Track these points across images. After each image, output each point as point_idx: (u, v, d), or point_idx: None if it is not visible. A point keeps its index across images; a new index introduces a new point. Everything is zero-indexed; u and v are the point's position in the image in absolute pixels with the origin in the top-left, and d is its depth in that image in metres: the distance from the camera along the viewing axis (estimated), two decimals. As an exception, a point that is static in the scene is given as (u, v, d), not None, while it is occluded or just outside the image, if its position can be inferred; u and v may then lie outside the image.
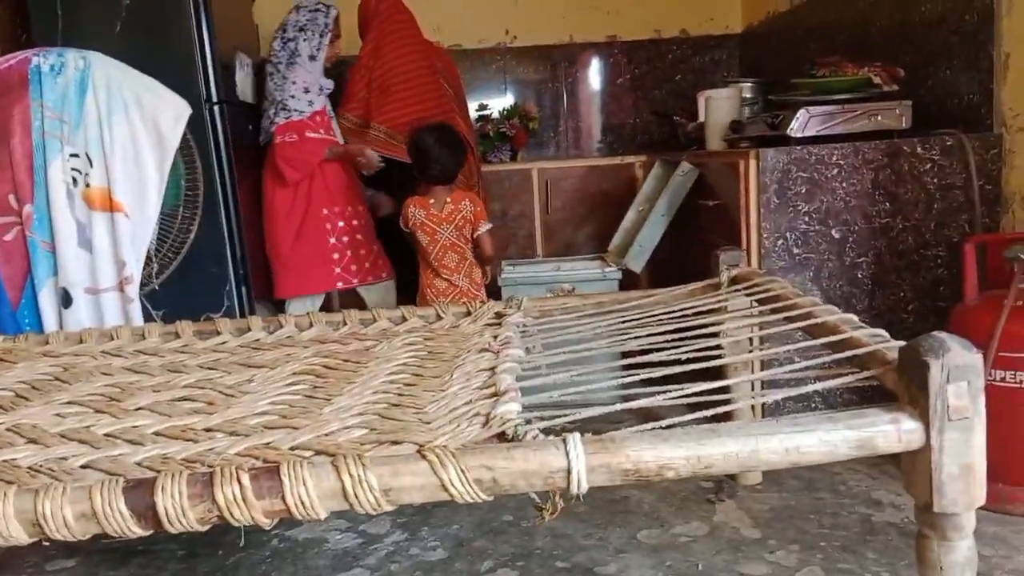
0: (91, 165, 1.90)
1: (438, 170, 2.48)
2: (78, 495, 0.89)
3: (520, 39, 4.04)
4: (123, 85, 1.97)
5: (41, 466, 1.07)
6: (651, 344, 1.41)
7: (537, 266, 2.97)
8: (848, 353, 1.18)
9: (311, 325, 1.80)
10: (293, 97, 2.59)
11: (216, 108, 2.30)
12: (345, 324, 1.81)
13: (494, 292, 2.66)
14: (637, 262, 2.72)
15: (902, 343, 1.02)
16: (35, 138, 1.89)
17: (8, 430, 1.22)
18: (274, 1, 3.55)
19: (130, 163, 1.94)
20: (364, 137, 2.76)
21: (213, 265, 2.27)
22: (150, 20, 2.27)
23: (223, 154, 2.30)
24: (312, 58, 2.68)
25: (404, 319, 1.82)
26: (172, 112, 2.00)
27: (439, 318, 1.82)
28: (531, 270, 2.88)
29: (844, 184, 2.14)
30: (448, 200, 2.49)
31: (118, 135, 1.93)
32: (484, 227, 2.53)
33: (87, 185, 1.90)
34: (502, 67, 4.08)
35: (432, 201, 2.49)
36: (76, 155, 1.89)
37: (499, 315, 1.78)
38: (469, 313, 1.82)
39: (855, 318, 1.29)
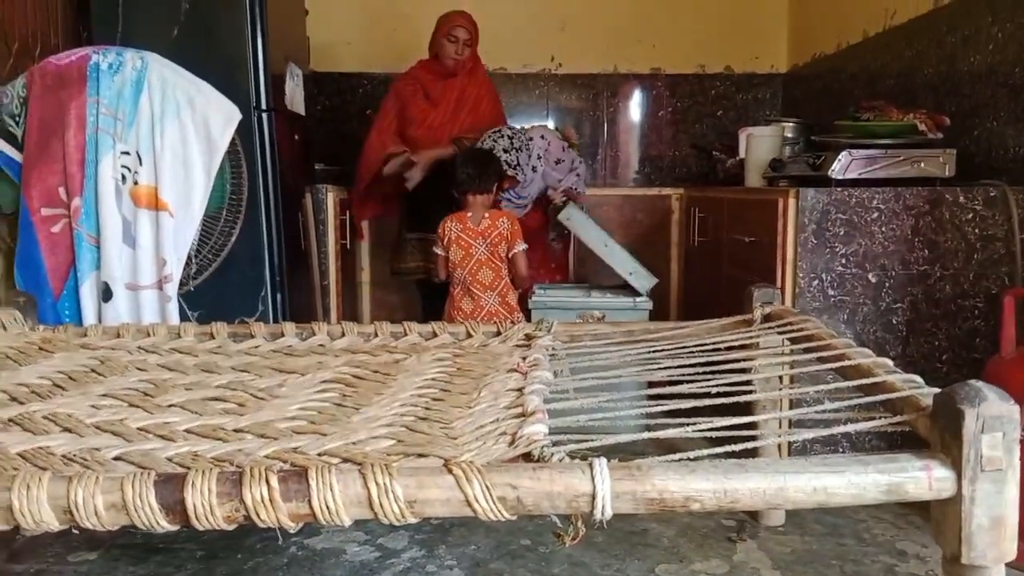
0: (140, 163, 1.95)
1: (464, 176, 2.54)
2: (110, 485, 0.91)
3: (565, 66, 4.08)
4: (177, 87, 2.02)
5: (75, 455, 1.09)
6: (680, 375, 1.41)
7: (568, 291, 2.97)
8: (881, 397, 1.17)
9: (343, 334, 1.82)
10: None
11: (265, 116, 2.34)
12: (376, 336, 1.83)
13: (524, 314, 2.67)
14: (643, 283, 2.77)
15: (936, 390, 1.01)
16: (89, 133, 1.94)
17: (44, 418, 1.25)
18: (327, 15, 3.64)
19: (178, 164, 1.98)
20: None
21: (250, 269, 2.30)
22: (207, 26, 2.33)
23: (268, 161, 2.34)
24: None
25: (435, 335, 1.84)
26: (223, 116, 2.05)
27: (469, 336, 1.83)
28: (562, 295, 2.89)
29: (883, 228, 2.13)
30: (486, 216, 2.53)
31: (169, 135, 1.98)
32: (520, 246, 2.55)
33: (135, 183, 1.94)
34: (545, 92, 4.12)
35: (470, 215, 2.53)
36: (127, 152, 1.94)
37: (529, 337, 1.79)
38: (499, 333, 1.83)
39: (889, 362, 1.28)
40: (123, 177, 1.93)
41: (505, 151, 2.90)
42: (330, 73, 3.88)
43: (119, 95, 1.95)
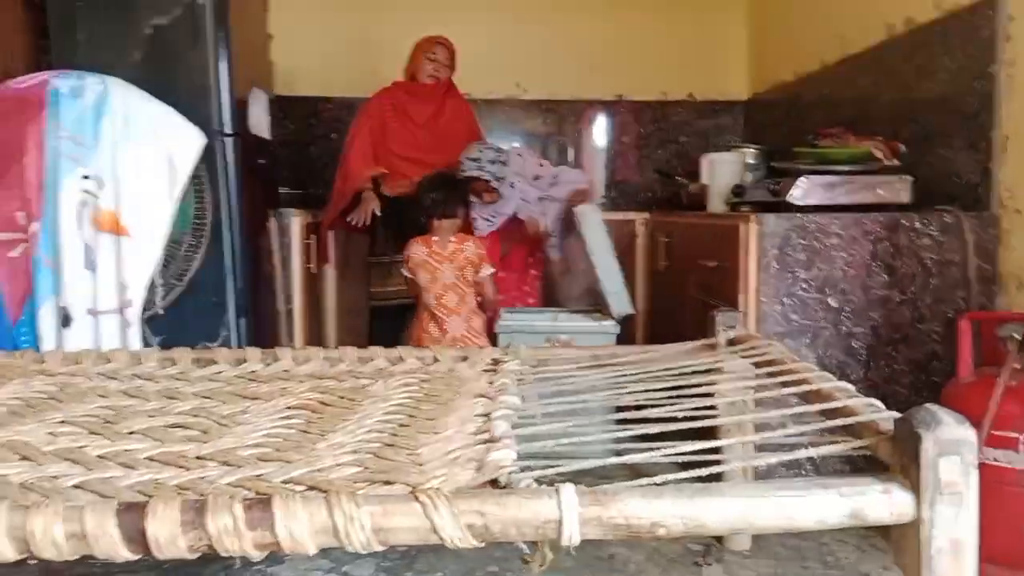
0: (102, 187, 1.92)
1: (430, 201, 2.55)
2: (70, 514, 0.89)
3: (529, 92, 4.12)
4: (140, 111, 2.00)
5: (33, 483, 1.07)
6: (646, 400, 1.42)
7: (535, 315, 2.98)
8: (842, 421, 1.19)
9: (308, 360, 1.80)
10: None
11: (229, 140, 2.33)
12: (342, 361, 1.81)
13: (491, 339, 2.67)
14: (621, 307, 2.75)
15: (896, 414, 1.03)
16: (49, 158, 1.91)
17: (0, 446, 1.22)
18: (291, 40, 3.64)
19: (141, 188, 1.96)
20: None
21: (213, 294, 2.28)
22: (169, 50, 2.32)
23: (232, 185, 2.32)
24: None
25: (401, 359, 1.83)
26: (186, 141, 2.03)
27: (435, 361, 1.82)
28: (529, 319, 2.89)
29: (843, 254, 2.17)
30: (452, 239, 2.53)
31: (131, 160, 1.96)
32: (487, 270, 2.56)
33: (97, 207, 1.92)
34: (510, 118, 4.15)
35: (436, 239, 2.54)
36: (88, 177, 1.91)
37: (496, 361, 1.79)
38: (466, 358, 1.82)
39: (850, 387, 1.30)
40: (84, 201, 1.90)
41: (491, 162, 2.95)
42: (295, 97, 3.88)
43: (80, 120, 1.92)
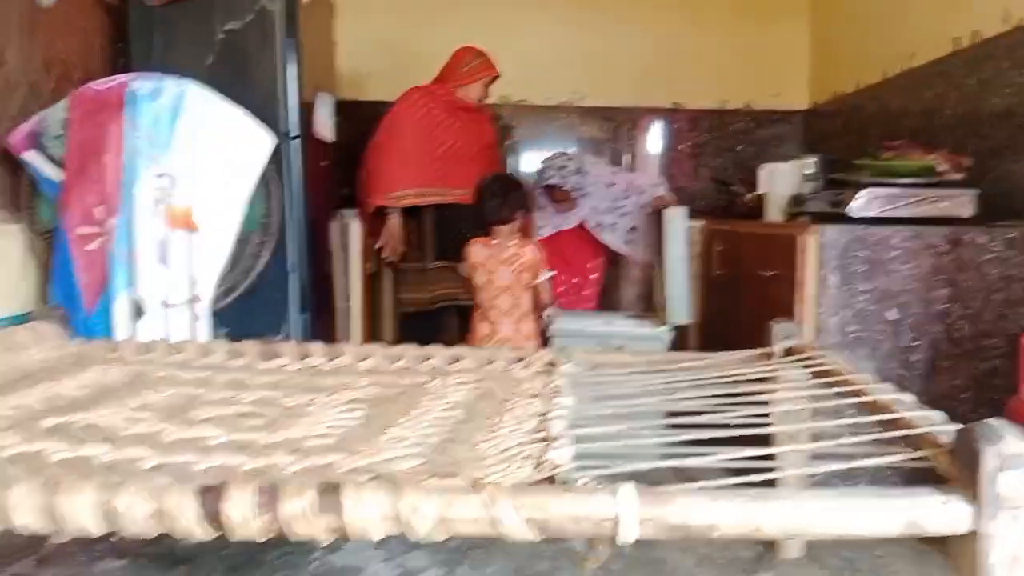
0: (176, 186, 2.00)
1: (490, 206, 2.59)
2: (152, 494, 0.94)
3: (587, 100, 4.14)
4: (214, 114, 2.08)
5: (114, 464, 1.13)
6: (701, 406, 1.43)
7: (588, 319, 3.00)
8: (901, 433, 1.19)
9: (368, 356, 1.85)
10: None
11: (295, 143, 2.41)
12: (401, 358, 1.86)
13: (544, 341, 2.70)
14: (680, 315, 2.76)
15: (957, 426, 1.03)
16: (127, 156, 2.00)
17: (83, 428, 1.29)
18: (357, 46, 3.72)
19: (213, 187, 2.04)
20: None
21: (277, 290, 2.35)
22: (241, 55, 2.40)
23: (297, 186, 2.40)
24: None
25: (458, 358, 1.87)
26: (256, 143, 2.11)
27: (491, 361, 1.86)
28: (582, 323, 2.92)
29: (904, 267, 2.15)
30: (511, 244, 2.57)
31: (204, 160, 2.03)
32: (545, 275, 2.60)
33: (170, 204, 2.00)
34: (567, 124, 4.18)
35: (495, 242, 2.58)
36: (163, 175, 2.00)
37: (551, 364, 1.81)
38: (521, 359, 1.85)
39: (911, 398, 1.30)
40: (159, 198, 1.98)
41: (573, 173, 3.04)
42: (357, 101, 3.96)
43: (157, 120, 2.01)
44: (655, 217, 3.06)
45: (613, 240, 3.26)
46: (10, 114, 2.13)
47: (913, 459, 1.13)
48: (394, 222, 3.04)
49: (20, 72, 2.17)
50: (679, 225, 2.88)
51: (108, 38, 2.59)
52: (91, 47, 2.52)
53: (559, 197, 3.16)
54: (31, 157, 2.07)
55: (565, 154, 3.23)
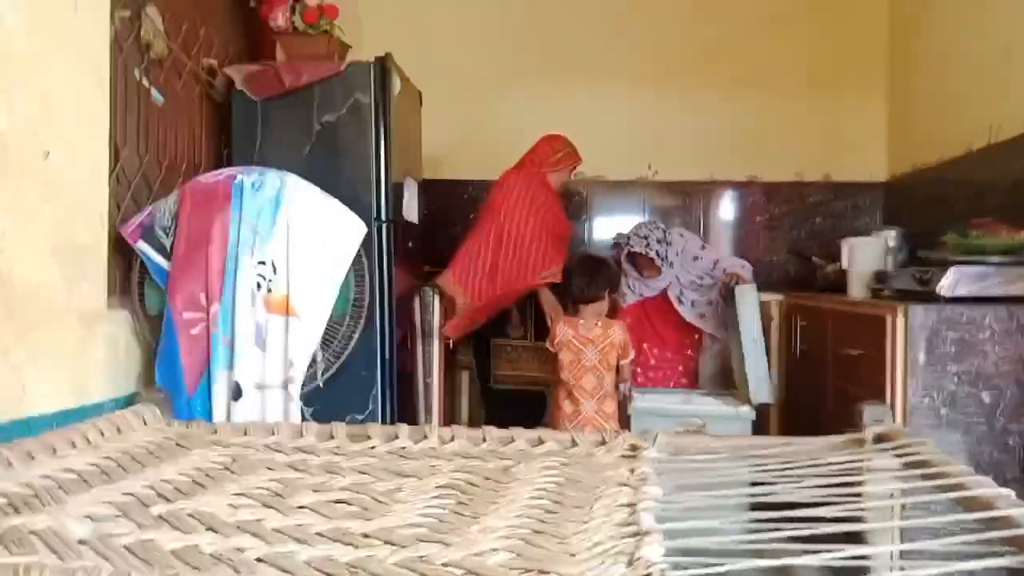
0: (275, 272, 2.12)
1: (577, 286, 2.63)
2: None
3: (661, 174, 4.19)
4: (311, 203, 2.20)
5: (221, 555, 1.18)
6: (792, 500, 1.41)
7: (668, 396, 2.99)
8: (1005, 533, 1.15)
9: (453, 438, 1.89)
10: None
11: (385, 227, 2.51)
12: (484, 440, 1.89)
13: (623, 421, 2.70)
14: (762, 395, 2.73)
15: (1065, 530, 1.00)
16: (231, 246, 2.13)
17: (189, 515, 1.35)
18: (435, 127, 3.87)
19: (309, 273, 2.14)
20: None
21: (365, 369, 2.42)
22: (337, 144, 2.54)
23: (386, 268, 2.49)
24: None
25: (541, 442, 1.88)
26: (350, 230, 2.22)
27: (574, 444, 1.87)
28: (662, 400, 2.91)
29: (996, 347, 2.10)
30: (598, 324, 2.61)
31: (301, 248, 2.15)
32: (629, 356, 2.63)
33: (269, 291, 2.11)
34: (641, 198, 4.23)
35: (582, 322, 2.62)
36: (263, 263, 2.11)
37: (634, 448, 1.82)
38: (604, 442, 1.86)
39: (1012, 494, 1.26)
40: (258, 285, 2.09)
41: (658, 242, 3.10)
42: (436, 180, 4.09)
43: (259, 211, 2.13)
44: (728, 291, 3.06)
45: (688, 312, 3.26)
46: (124, 205, 2.29)
47: (1020, 561, 1.10)
48: (549, 295, 3.14)
49: (134, 166, 2.33)
50: (749, 299, 2.87)
51: (213, 130, 2.77)
52: (198, 139, 2.70)
53: (644, 264, 3.20)
54: (143, 247, 2.21)
55: (653, 223, 3.29)
